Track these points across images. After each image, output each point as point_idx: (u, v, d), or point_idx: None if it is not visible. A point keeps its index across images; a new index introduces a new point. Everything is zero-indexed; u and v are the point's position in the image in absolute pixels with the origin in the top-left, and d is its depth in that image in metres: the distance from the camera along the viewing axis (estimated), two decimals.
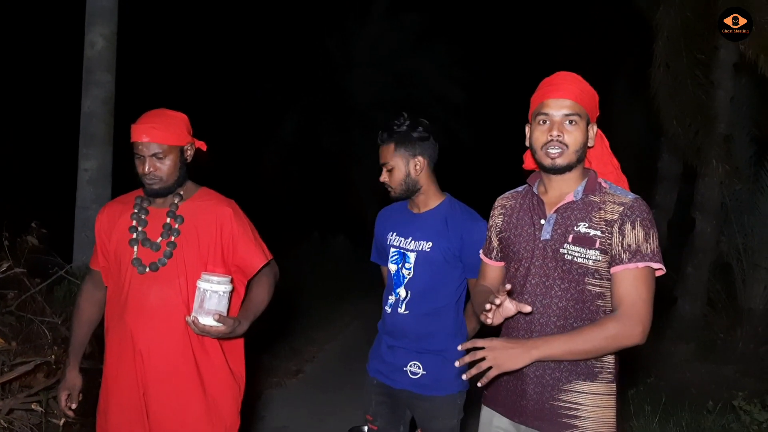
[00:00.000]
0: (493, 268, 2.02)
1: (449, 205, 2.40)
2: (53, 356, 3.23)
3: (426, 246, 2.34)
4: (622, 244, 1.67)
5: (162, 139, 2.05)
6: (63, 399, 2.22)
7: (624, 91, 9.65)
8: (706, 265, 6.71)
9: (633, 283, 1.66)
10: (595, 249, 1.70)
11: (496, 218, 1.99)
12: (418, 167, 2.34)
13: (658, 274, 1.71)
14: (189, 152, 2.16)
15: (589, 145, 1.81)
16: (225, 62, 15.87)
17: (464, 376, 1.68)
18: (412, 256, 2.36)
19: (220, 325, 1.95)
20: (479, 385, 1.68)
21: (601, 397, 1.73)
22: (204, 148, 2.24)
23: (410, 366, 2.34)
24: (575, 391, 1.72)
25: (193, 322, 1.95)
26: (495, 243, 1.99)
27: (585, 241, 1.72)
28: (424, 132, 2.35)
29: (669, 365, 5.76)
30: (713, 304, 6.95)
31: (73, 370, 2.24)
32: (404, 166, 2.33)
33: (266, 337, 5.60)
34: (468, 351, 1.67)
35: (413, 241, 2.37)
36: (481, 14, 17.18)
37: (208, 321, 1.95)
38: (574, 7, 11.05)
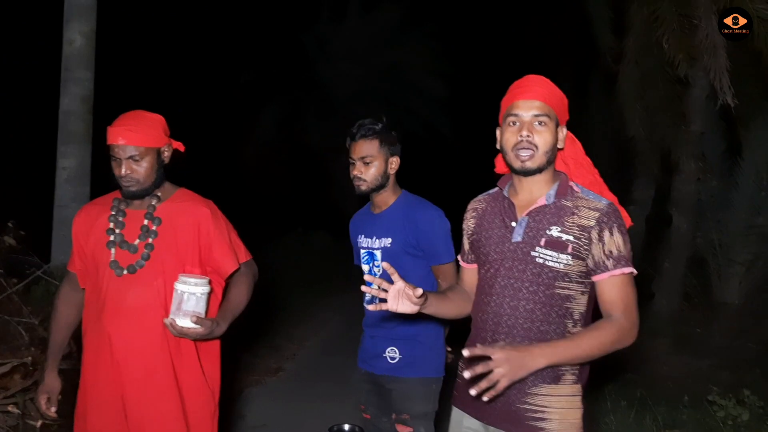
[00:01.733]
0: (467, 271, 2.04)
1: (404, 200, 2.54)
2: (30, 357, 3.21)
3: (387, 242, 2.48)
4: (604, 251, 1.70)
5: (138, 141, 2.04)
6: (42, 402, 2.21)
7: (600, 86, 9.73)
8: (683, 260, 6.83)
9: (622, 288, 1.70)
10: (567, 253, 1.72)
11: (469, 221, 2.01)
12: (393, 166, 2.51)
13: None
14: (166, 153, 2.16)
15: (558, 147, 1.82)
16: (204, 58, 15.77)
17: (473, 391, 1.55)
18: (378, 254, 2.50)
19: (198, 326, 1.95)
20: (485, 399, 1.56)
21: (566, 399, 1.75)
22: (182, 149, 2.24)
23: (388, 352, 2.48)
24: (540, 395, 1.74)
25: (171, 324, 1.95)
26: (467, 246, 2.01)
27: (557, 245, 1.73)
28: (392, 133, 2.54)
29: (645, 360, 5.84)
30: (689, 298, 7.07)
31: (51, 372, 2.23)
32: (383, 163, 2.47)
33: (246, 335, 5.59)
34: (468, 362, 1.62)
35: (377, 240, 2.51)
36: (460, 8, 17.20)
37: (185, 323, 1.95)
38: (551, 4, 11.13)
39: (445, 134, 14.21)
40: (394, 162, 2.50)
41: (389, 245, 2.45)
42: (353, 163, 2.48)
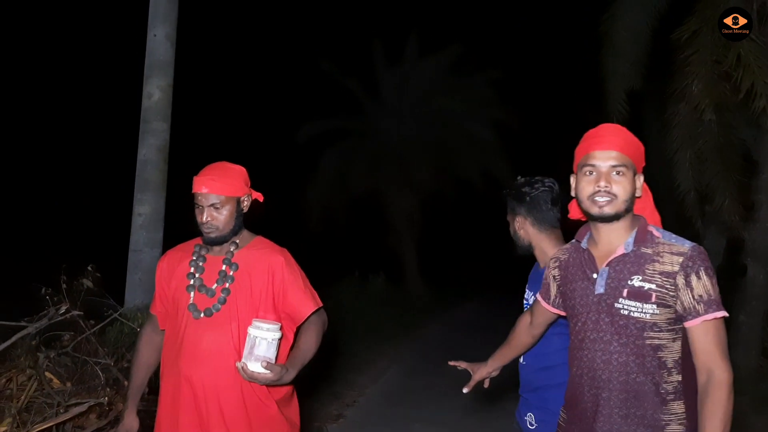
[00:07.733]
0: (546, 312, 2.07)
1: None
2: (106, 398, 3.32)
3: None
4: (693, 296, 1.65)
5: (219, 190, 2.16)
6: None
7: (662, 133, 9.49)
8: (760, 312, 6.50)
9: (716, 334, 1.65)
10: (652, 303, 1.68)
11: (553, 270, 2.01)
12: (518, 224, 2.50)
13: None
14: (245, 203, 2.27)
15: (637, 195, 1.80)
16: (265, 106, 16.43)
17: None
18: None
19: (268, 372, 1.99)
20: None
21: None
22: (261, 199, 2.35)
23: (527, 416, 2.44)
24: None
25: (243, 368, 2.01)
26: (554, 291, 2.01)
27: (640, 295, 1.69)
28: (517, 192, 2.50)
29: None
30: None
31: (131, 413, 2.33)
32: (512, 224, 2.52)
33: (307, 380, 5.60)
34: None
35: (533, 296, 2.44)
36: (513, 55, 17.32)
37: (256, 367, 2.00)
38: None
39: (499, 180, 14.12)
40: (518, 221, 2.49)
41: None
42: None
